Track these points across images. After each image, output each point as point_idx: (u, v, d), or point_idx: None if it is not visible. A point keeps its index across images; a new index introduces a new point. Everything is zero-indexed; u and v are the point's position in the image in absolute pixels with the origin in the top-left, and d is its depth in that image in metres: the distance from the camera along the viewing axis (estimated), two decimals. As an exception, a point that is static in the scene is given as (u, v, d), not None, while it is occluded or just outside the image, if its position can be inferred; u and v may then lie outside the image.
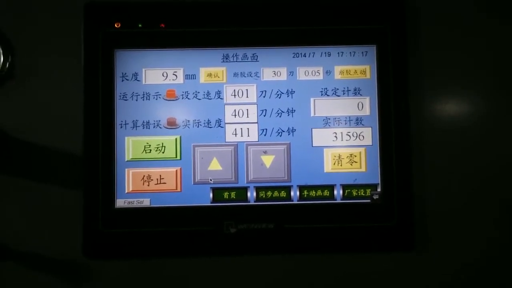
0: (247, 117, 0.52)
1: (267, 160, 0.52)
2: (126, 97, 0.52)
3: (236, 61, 0.52)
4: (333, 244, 0.51)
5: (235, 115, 0.52)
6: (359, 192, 0.52)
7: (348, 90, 0.52)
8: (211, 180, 0.52)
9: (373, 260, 0.52)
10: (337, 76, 0.52)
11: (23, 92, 0.52)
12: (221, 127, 0.52)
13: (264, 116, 0.52)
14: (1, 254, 0.50)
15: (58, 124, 0.52)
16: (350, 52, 0.53)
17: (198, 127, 0.52)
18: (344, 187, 0.52)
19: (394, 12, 0.52)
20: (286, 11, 0.52)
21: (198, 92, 0.52)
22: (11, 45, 0.52)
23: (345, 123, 0.52)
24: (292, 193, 0.52)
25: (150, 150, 0.52)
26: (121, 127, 0.52)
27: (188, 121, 0.52)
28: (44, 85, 0.52)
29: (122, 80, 0.52)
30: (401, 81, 0.52)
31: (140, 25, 0.52)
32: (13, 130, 0.51)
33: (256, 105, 0.52)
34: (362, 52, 0.53)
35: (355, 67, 0.52)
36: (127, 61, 0.52)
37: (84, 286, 0.51)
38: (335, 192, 0.52)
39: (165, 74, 0.52)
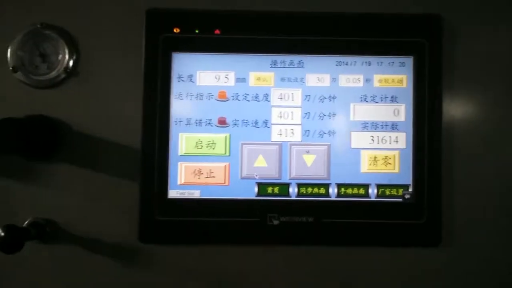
0: (292, 119, 0.56)
1: (309, 159, 0.56)
2: (181, 96, 0.56)
3: (284, 67, 0.57)
4: (367, 238, 0.56)
5: (280, 116, 0.56)
6: (392, 191, 0.56)
7: (385, 97, 0.57)
8: (256, 175, 0.56)
9: (402, 254, 0.57)
10: (376, 84, 0.57)
11: (87, 89, 0.56)
12: (268, 127, 0.56)
13: (308, 118, 0.56)
14: (65, 239, 0.55)
15: (118, 120, 0.56)
16: (389, 62, 0.57)
17: (246, 126, 0.56)
18: (379, 186, 0.56)
19: (431, 26, 0.57)
20: (332, 23, 0.56)
21: (248, 94, 0.56)
22: (76, 45, 0.56)
23: (382, 128, 0.57)
24: (330, 190, 0.56)
25: (202, 146, 0.56)
26: (176, 124, 0.56)
27: (237, 120, 0.56)
28: (106, 83, 0.56)
29: (178, 81, 0.56)
30: (435, 90, 0.56)
31: (197, 31, 0.56)
32: (77, 125, 0.56)
33: (300, 108, 0.57)
34: (400, 63, 0.57)
35: (392, 76, 0.57)
36: (183, 63, 0.56)
37: (139, 269, 0.56)
38: (370, 190, 0.56)
39: (217, 77, 0.56)
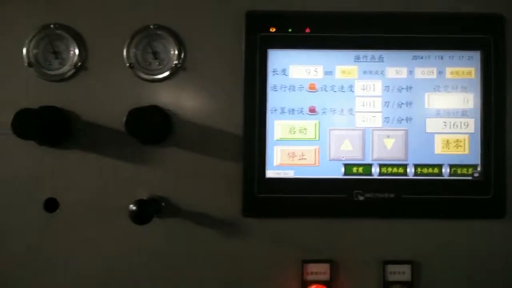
0: (373, 107, 0.64)
1: (389, 142, 0.64)
2: (276, 88, 0.64)
3: (366, 61, 0.64)
4: (441, 212, 0.63)
5: (363, 105, 0.64)
6: (463, 170, 0.63)
7: (456, 87, 0.64)
8: (343, 157, 0.64)
9: (471, 226, 0.64)
10: (448, 75, 0.64)
11: (194, 82, 0.64)
12: (352, 115, 0.64)
13: (387, 107, 0.64)
14: (177, 214, 0.63)
15: (222, 109, 0.64)
16: (459, 56, 0.64)
17: (333, 114, 0.64)
18: (451, 166, 0.63)
19: (496, 24, 0.64)
20: (409, 22, 0.64)
21: (334, 86, 0.64)
22: (183, 43, 0.64)
23: (453, 114, 0.64)
24: (408, 170, 0.63)
25: (295, 132, 0.64)
26: (272, 112, 0.63)
27: (326, 109, 0.64)
28: (210, 77, 0.64)
29: (273, 75, 0.64)
30: (501, 81, 0.63)
31: (290, 30, 0.63)
32: (186, 113, 0.63)
33: (381, 98, 0.64)
34: (469, 57, 0.64)
35: (462, 68, 0.64)
36: (278, 59, 0.64)
37: (240, 239, 0.63)
38: (443, 170, 0.63)
39: (308, 70, 0.64)
